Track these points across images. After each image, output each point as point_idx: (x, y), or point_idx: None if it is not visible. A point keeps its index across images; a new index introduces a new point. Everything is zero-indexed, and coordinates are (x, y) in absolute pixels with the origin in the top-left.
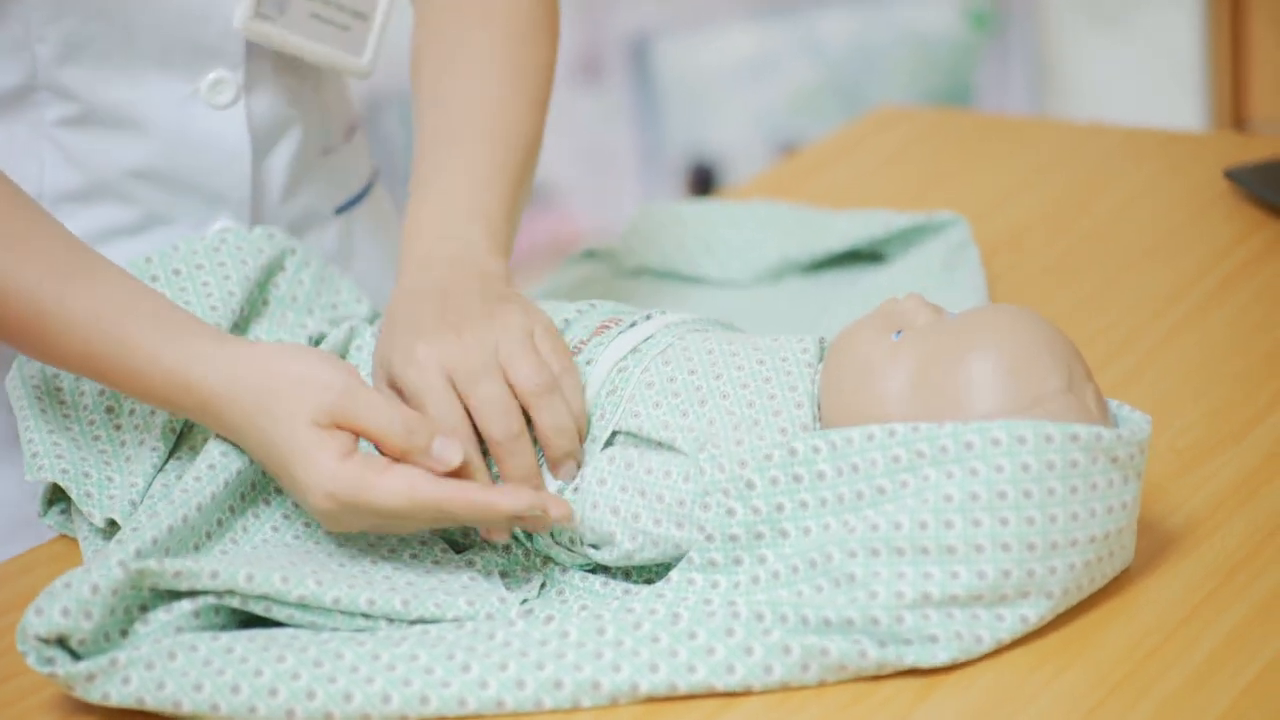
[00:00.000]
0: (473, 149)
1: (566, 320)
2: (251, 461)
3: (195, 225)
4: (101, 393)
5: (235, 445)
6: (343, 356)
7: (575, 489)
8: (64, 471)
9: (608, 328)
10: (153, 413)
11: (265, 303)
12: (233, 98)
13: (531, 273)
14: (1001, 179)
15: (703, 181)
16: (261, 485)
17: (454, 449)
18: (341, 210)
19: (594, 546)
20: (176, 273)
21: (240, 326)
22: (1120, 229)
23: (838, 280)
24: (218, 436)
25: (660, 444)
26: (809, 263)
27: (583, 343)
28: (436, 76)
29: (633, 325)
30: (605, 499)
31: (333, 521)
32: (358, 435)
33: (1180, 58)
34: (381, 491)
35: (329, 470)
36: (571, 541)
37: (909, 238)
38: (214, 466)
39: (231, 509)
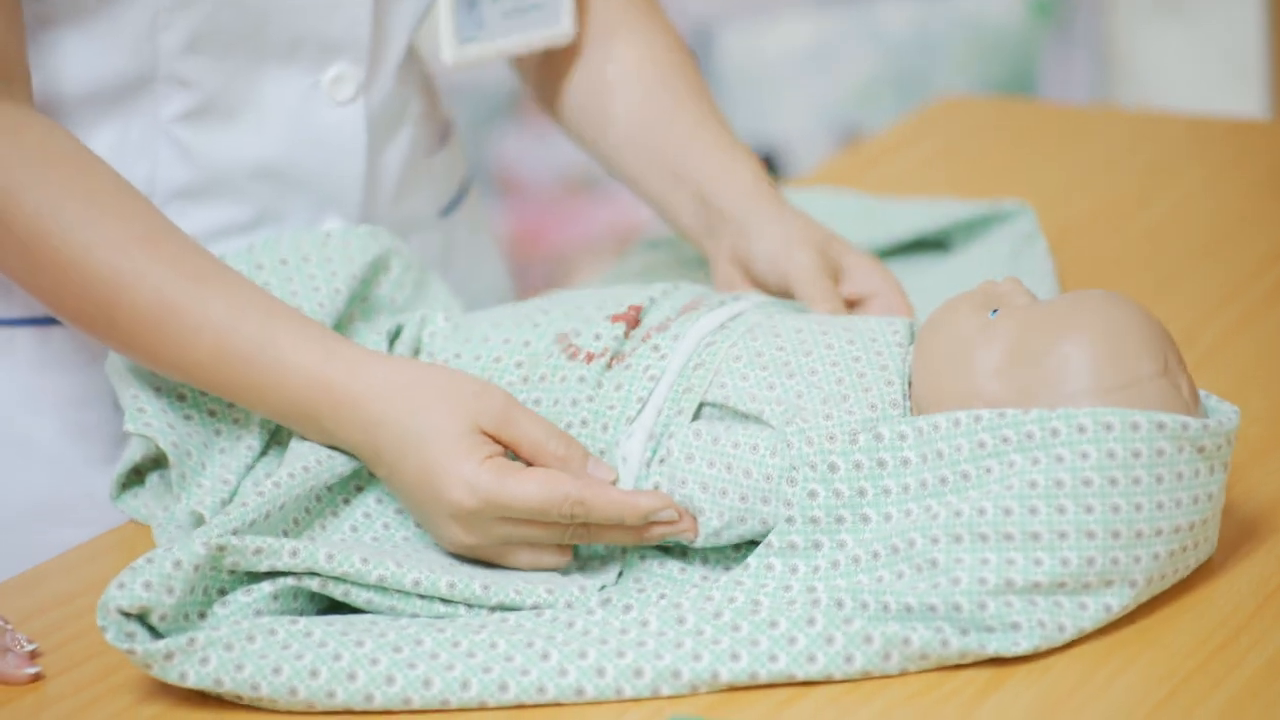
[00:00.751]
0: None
1: (651, 299)
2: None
3: (306, 224)
4: None
5: (335, 451)
6: (417, 346)
7: (662, 461)
8: (174, 445)
9: (694, 307)
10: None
11: (365, 299)
12: (353, 93)
13: (592, 264)
14: (1065, 169)
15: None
16: (340, 488)
17: (607, 468)
18: (444, 213)
19: None
20: (283, 262)
21: (341, 325)
22: (1185, 220)
23: (904, 270)
24: (305, 442)
25: (747, 416)
26: (874, 252)
27: (669, 319)
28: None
29: (721, 304)
30: (694, 475)
31: (463, 528)
32: (508, 449)
33: (1244, 45)
34: (524, 483)
35: (472, 467)
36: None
37: (974, 227)
38: (308, 469)
39: (307, 510)
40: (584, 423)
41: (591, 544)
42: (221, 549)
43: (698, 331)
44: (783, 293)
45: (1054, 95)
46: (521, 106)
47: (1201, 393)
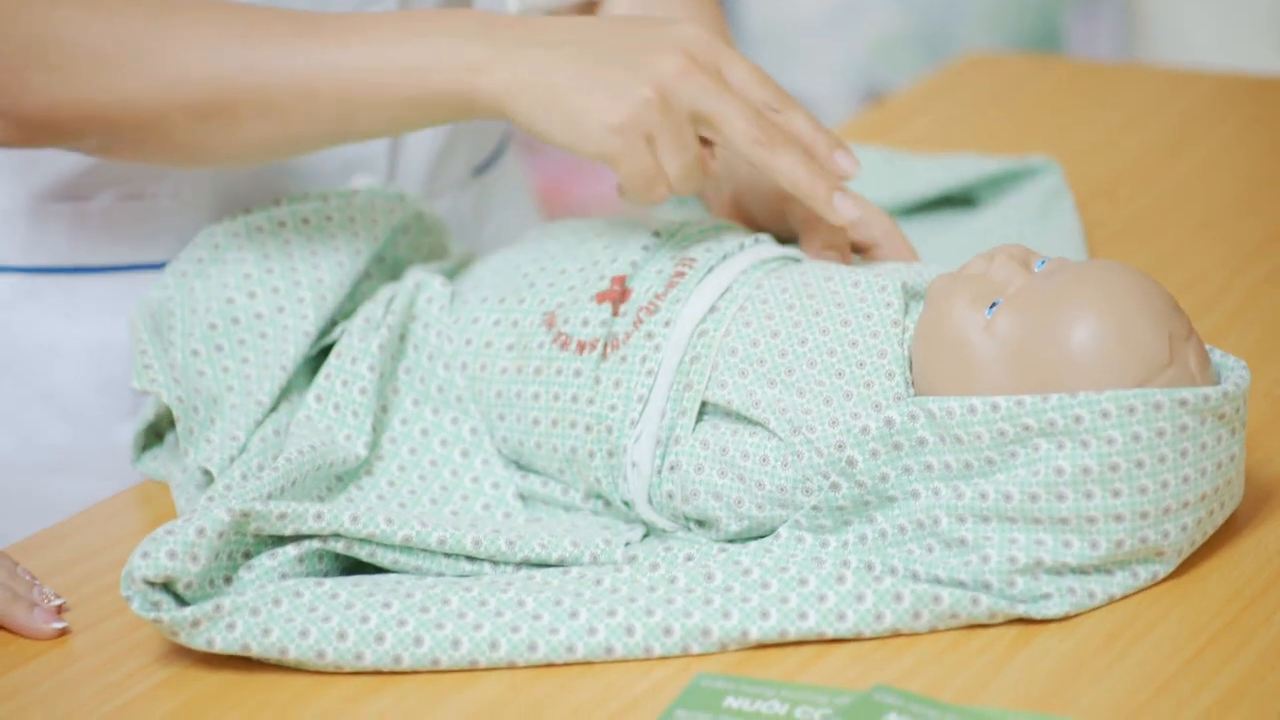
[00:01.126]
0: None
1: (634, 263)
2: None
3: (332, 180)
4: (213, 326)
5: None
6: (411, 310)
7: (673, 469)
8: (179, 400)
9: (682, 274)
10: (265, 356)
11: (382, 260)
12: None
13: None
14: (1092, 127)
15: None
16: (351, 475)
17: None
18: (478, 172)
19: (698, 524)
20: (305, 221)
21: (358, 285)
22: (1213, 178)
23: (932, 226)
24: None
25: (750, 420)
26: (900, 209)
27: (659, 296)
28: None
29: (709, 270)
30: (705, 486)
31: (660, 75)
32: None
33: (1270, 2)
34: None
35: (697, 26)
36: (674, 517)
37: (1001, 183)
38: (314, 448)
39: (319, 498)
40: (588, 426)
41: (771, 159)
42: (245, 515)
43: (690, 316)
44: (777, 229)
45: (1079, 52)
46: None
47: (1208, 349)
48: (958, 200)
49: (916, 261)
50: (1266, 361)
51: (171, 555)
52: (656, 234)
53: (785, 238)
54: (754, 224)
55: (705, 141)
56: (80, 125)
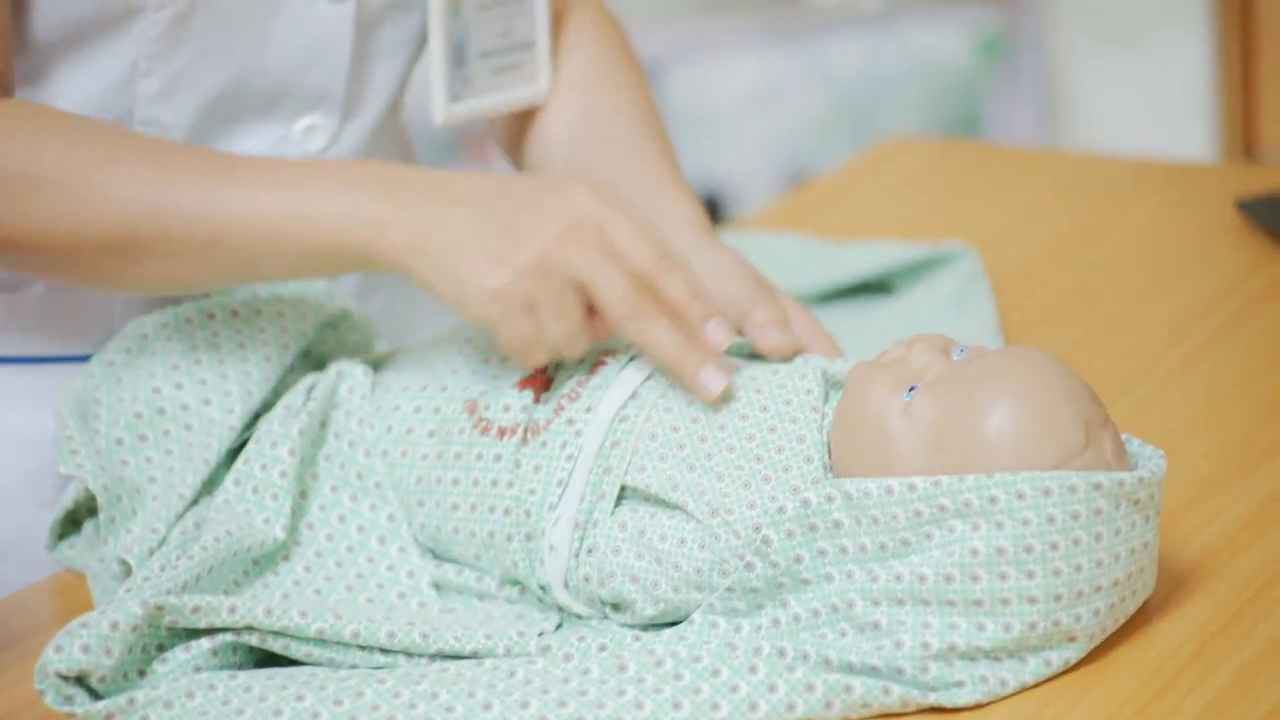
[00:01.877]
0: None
1: None
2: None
3: None
4: (138, 416)
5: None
6: (333, 398)
7: (590, 551)
8: (104, 487)
9: (603, 363)
10: (190, 448)
11: (308, 355)
12: (325, 144)
13: None
14: (1011, 210)
15: (711, 212)
16: (268, 560)
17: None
18: None
19: (613, 607)
20: (234, 314)
21: (284, 380)
22: (1130, 260)
23: (847, 313)
24: (223, 513)
25: (670, 503)
26: (817, 295)
27: (580, 384)
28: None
29: (630, 360)
30: (622, 568)
31: (540, 245)
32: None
33: (1190, 85)
34: (630, 217)
35: (594, 188)
36: (590, 601)
37: (918, 269)
38: (230, 534)
39: (236, 583)
40: (506, 510)
41: (641, 334)
42: (159, 608)
43: (611, 403)
44: None
45: (1002, 134)
46: (465, 146)
47: (1125, 437)
48: (874, 287)
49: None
50: (1183, 447)
51: (85, 649)
52: None
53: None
54: None
55: (592, 308)
56: None
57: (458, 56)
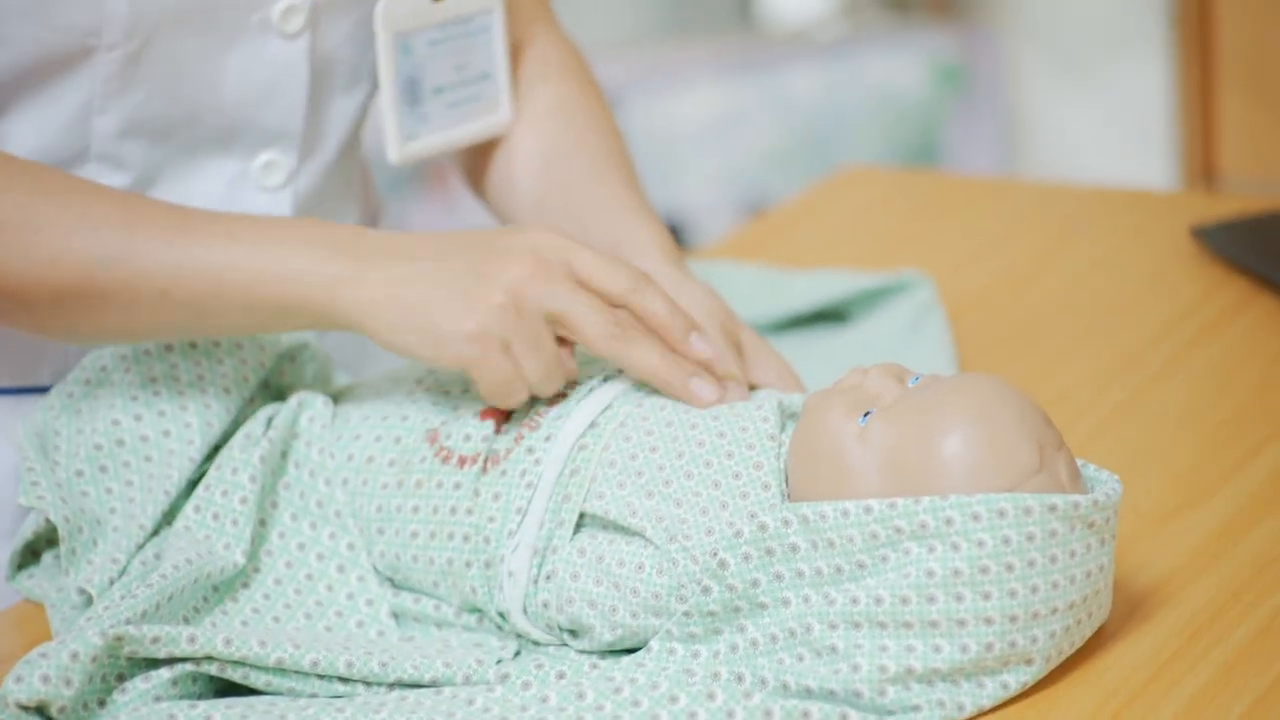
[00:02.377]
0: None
1: None
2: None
3: None
4: (98, 448)
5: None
6: (294, 428)
7: (549, 578)
8: (65, 519)
9: (564, 395)
10: (150, 479)
11: (267, 386)
12: (283, 180)
13: None
14: (968, 239)
15: None
16: (227, 586)
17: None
18: None
19: (571, 633)
20: (193, 346)
21: (242, 412)
22: (1086, 288)
23: (803, 341)
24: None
25: (628, 529)
26: (773, 324)
27: (540, 414)
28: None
29: (590, 391)
30: (580, 593)
31: (511, 286)
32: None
33: (1150, 112)
34: (591, 250)
35: (547, 229)
36: (549, 628)
37: (874, 298)
38: (190, 561)
39: (195, 609)
40: (465, 537)
41: (626, 353)
42: (119, 639)
43: (570, 432)
44: None
45: (961, 163)
46: (427, 177)
47: (1080, 463)
48: (830, 315)
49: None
50: (1136, 474)
51: (45, 679)
52: None
53: None
54: None
55: (563, 340)
56: None
57: (412, 94)
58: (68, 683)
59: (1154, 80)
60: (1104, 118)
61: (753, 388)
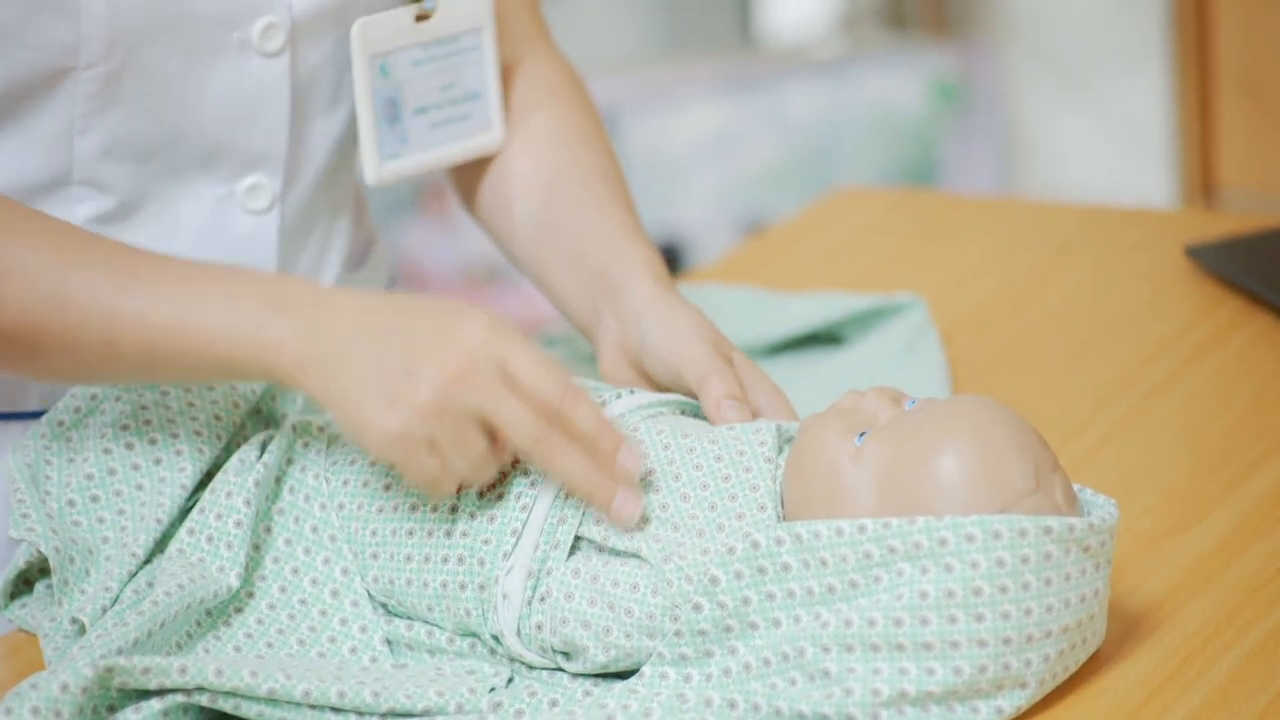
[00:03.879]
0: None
1: None
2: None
3: None
4: (89, 477)
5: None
6: (289, 454)
7: (543, 599)
8: (56, 550)
9: None
10: (142, 508)
11: (258, 412)
12: (268, 204)
13: None
14: (964, 258)
15: (669, 260)
16: (220, 611)
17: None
18: None
19: (565, 655)
20: None
21: (234, 438)
22: (1081, 308)
23: (798, 363)
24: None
25: (624, 552)
26: (767, 347)
27: None
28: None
29: None
30: (574, 614)
31: (437, 382)
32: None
33: (1149, 127)
34: (534, 349)
35: (490, 320)
36: (542, 650)
37: (868, 320)
38: (182, 587)
39: (189, 634)
40: (460, 559)
41: (552, 462)
42: (110, 670)
43: None
44: (672, 386)
45: (960, 180)
46: (425, 198)
47: (1076, 487)
48: (825, 338)
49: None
50: (1132, 493)
51: (35, 712)
52: None
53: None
54: (654, 384)
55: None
56: None
57: (391, 115)
58: (57, 714)
59: (1153, 96)
60: (1103, 133)
61: None
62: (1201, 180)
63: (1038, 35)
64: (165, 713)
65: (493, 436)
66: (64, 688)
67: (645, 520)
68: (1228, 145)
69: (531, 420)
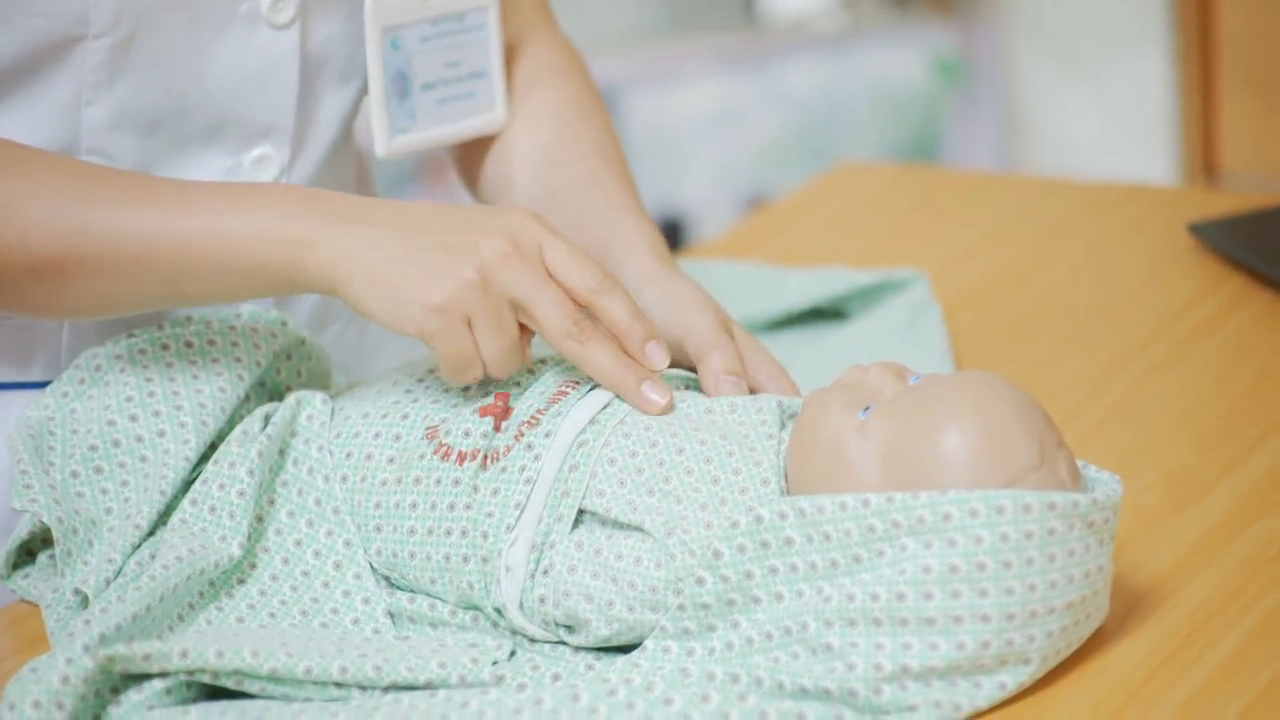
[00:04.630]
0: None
1: (519, 384)
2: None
3: None
4: (93, 448)
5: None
6: (292, 426)
7: (546, 572)
8: (59, 521)
9: (565, 393)
10: (145, 480)
11: (262, 384)
12: (275, 175)
13: None
14: (965, 234)
15: (671, 237)
16: (223, 582)
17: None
18: None
19: (567, 629)
20: (188, 345)
21: (237, 410)
22: (1083, 284)
23: (800, 339)
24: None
25: (627, 525)
26: (769, 322)
27: (540, 412)
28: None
29: (591, 389)
30: (577, 587)
31: (481, 260)
32: None
33: (1150, 108)
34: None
35: (529, 214)
36: (545, 623)
37: (870, 295)
38: (181, 559)
39: (191, 605)
40: (464, 531)
41: (582, 352)
42: (111, 659)
43: (570, 428)
44: (673, 357)
45: (961, 157)
46: (427, 172)
47: (1080, 463)
48: (827, 313)
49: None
50: (1133, 471)
51: (37, 705)
52: (542, 361)
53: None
54: None
55: (523, 329)
56: None
57: (401, 89)
58: (60, 706)
59: (1155, 75)
60: (1104, 113)
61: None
62: (1202, 161)
63: (1040, 14)
64: (168, 690)
65: (521, 329)
66: (65, 680)
67: (649, 494)
68: (1229, 126)
69: (565, 311)
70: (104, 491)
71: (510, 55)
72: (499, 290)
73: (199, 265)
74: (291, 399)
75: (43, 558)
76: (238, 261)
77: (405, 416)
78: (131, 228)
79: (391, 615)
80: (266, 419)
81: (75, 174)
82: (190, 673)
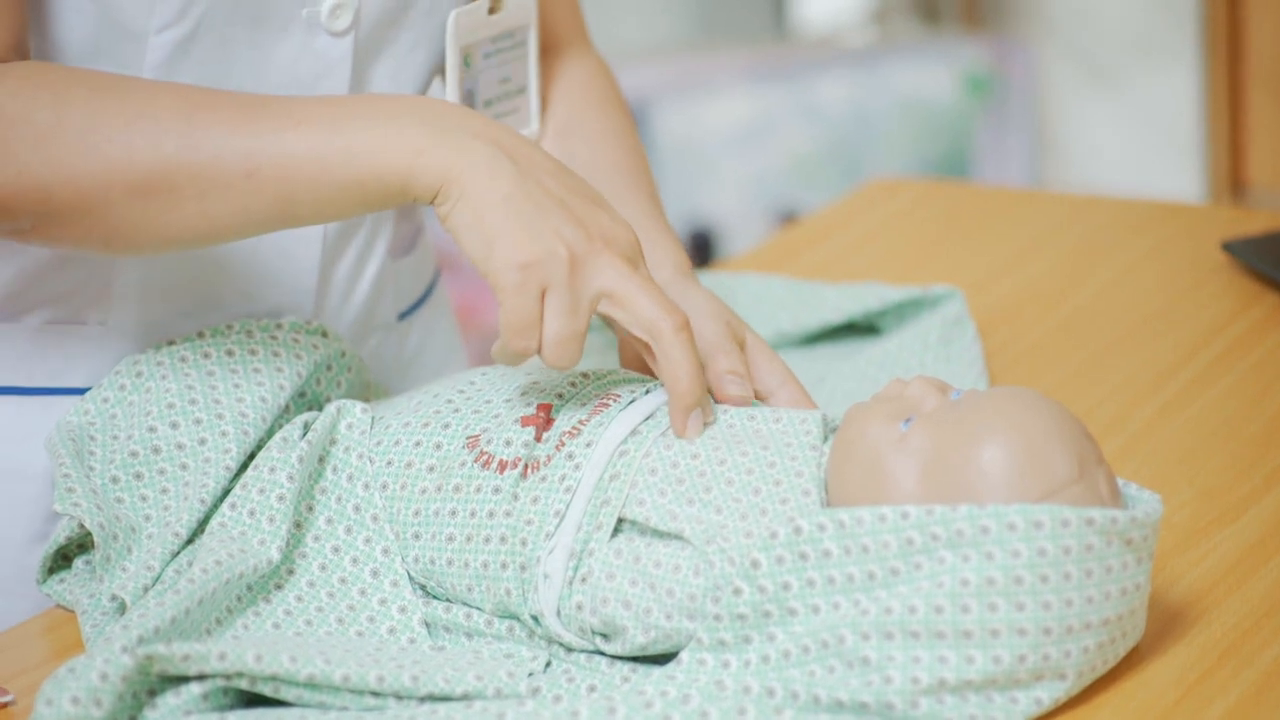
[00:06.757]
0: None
1: (560, 395)
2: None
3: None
4: (133, 455)
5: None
6: (332, 434)
7: (584, 580)
8: (100, 526)
9: (606, 405)
10: (185, 488)
11: (303, 395)
12: None
13: None
14: (998, 251)
15: (701, 249)
16: (260, 586)
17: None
18: (405, 315)
19: (604, 636)
20: (230, 354)
21: (277, 420)
22: (1116, 302)
23: (833, 354)
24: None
25: (667, 533)
26: (803, 336)
27: (582, 423)
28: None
29: (632, 402)
30: (615, 594)
31: (556, 257)
32: None
33: (1179, 125)
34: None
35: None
36: (581, 631)
37: (904, 311)
38: (220, 563)
39: (229, 609)
40: (502, 538)
41: (675, 340)
42: (149, 659)
43: (611, 439)
44: None
45: (990, 172)
46: None
47: (1121, 482)
48: (861, 328)
49: (814, 408)
50: (1168, 489)
51: (75, 701)
52: (584, 375)
53: None
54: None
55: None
56: (15, 201)
57: (469, 105)
58: (98, 703)
59: (1183, 91)
60: (1133, 128)
61: (757, 395)
62: (1230, 178)
63: (1069, 30)
64: (205, 696)
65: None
66: (103, 677)
67: (689, 503)
68: (1257, 143)
69: (664, 307)
70: (143, 498)
71: (543, 69)
72: (586, 276)
73: (310, 180)
74: (331, 407)
75: (79, 563)
76: (351, 174)
77: (446, 426)
78: (241, 144)
79: (427, 624)
80: (306, 427)
81: (180, 92)
82: (228, 676)
